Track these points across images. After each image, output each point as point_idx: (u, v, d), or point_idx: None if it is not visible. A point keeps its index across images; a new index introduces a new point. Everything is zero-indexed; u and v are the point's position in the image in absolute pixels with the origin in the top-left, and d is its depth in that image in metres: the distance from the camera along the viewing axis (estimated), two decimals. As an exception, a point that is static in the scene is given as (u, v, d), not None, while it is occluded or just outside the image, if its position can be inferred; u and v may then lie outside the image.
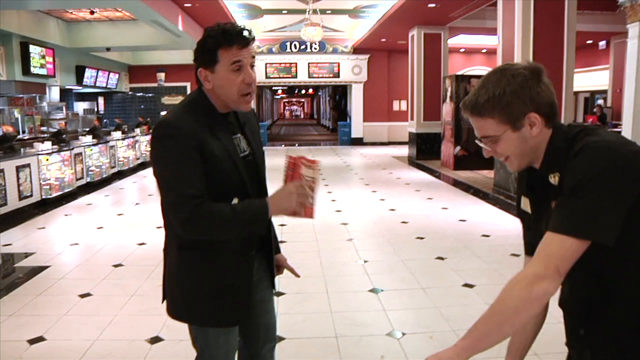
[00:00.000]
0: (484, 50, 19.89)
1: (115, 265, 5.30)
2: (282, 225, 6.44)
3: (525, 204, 1.54)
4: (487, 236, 6.38)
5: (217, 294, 1.88)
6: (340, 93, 27.88)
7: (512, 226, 6.86)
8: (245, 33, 1.78)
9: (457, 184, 10.73)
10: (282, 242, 5.34)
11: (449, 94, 12.98)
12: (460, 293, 4.46)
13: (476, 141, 1.49)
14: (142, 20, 11.17)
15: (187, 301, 1.91)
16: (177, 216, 1.72)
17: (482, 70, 19.38)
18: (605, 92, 16.89)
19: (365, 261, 5.41)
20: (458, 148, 12.68)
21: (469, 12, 12.29)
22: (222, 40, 1.75)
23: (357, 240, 6.27)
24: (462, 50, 19.82)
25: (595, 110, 16.01)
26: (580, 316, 1.44)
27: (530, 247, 1.54)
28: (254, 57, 1.84)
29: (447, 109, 13.20)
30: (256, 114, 2.17)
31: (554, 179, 1.38)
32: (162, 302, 2.00)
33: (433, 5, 11.68)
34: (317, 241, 6.14)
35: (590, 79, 17.31)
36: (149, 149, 1.99)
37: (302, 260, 5.14)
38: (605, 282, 1.35)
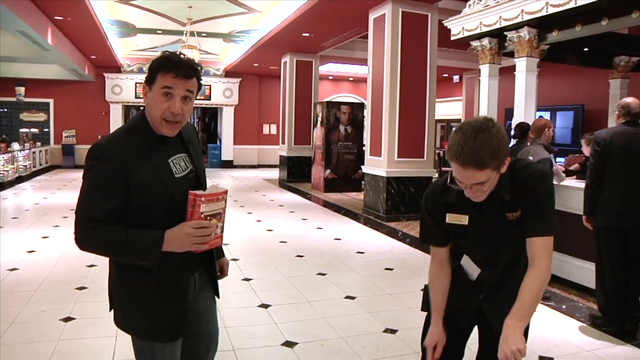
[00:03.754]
0: (350, 79, 20.94)
1: (-15, 292, 4.97)
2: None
3: (456, 218, 2.01)
4: (362, 253, 6.84)
5: (152, 311, 1.96)
6: (209, 115, 27.74)
7: (383, 243, 7.40)
8: (186, 67, 1.89)
9: (328, 205, 11.23)
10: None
11: (319, 119, 13.56)
12: (343, 304, 4.80)
13: (453, 185, 1.93)
14: (5, 30, 10.44)
15: (125, 314, 2.01)
16: (74, 230, 1.87)
17: (349, 97, 20.40)
18: (459, 121, 18.49)
19: (250, 279, 5.58)
20: (328, 171, 13.27)
21: (341, 42, 13.01)
22: (162, 64, 1.88)
23: (239, 259, 6.40)
24: (330, 77, 20.71)
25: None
26: (498, 281, 2.05)
27: (444, 243, 2.13)
28: (191, 91, 1.93)
29: (317, 133, 13.77)
30: (196, 129, 2.32)
31: (507, 198, 1.91)
32: (110, 310, 2.06)
33: (307, 34, 12.23)
34: (201, 261, 6.19)
35: (446, 109, 18.87)
36: None
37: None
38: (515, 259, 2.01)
